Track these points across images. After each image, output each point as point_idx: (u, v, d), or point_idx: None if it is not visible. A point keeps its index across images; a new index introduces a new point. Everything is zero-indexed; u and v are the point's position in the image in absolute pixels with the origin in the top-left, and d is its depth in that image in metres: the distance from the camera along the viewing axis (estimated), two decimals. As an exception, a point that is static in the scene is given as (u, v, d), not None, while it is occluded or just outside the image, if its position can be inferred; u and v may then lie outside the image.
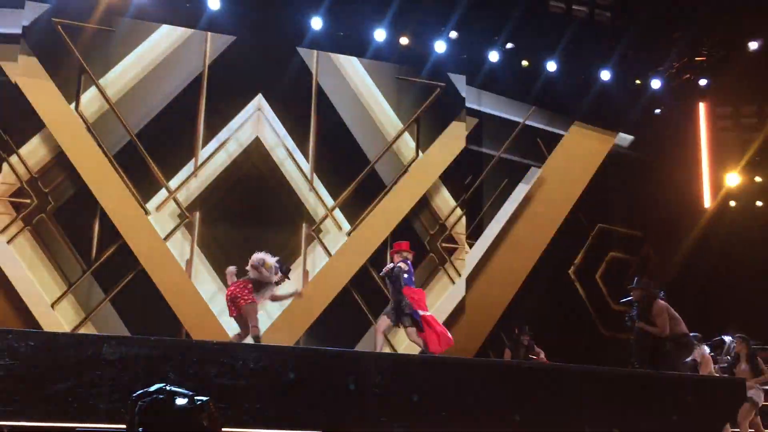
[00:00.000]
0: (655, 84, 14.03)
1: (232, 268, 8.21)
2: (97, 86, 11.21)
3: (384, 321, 8.69)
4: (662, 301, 8.83)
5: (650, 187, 14.32)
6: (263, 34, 12.03)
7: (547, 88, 13.62)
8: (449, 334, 8.69)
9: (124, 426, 5.48)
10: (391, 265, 8.83)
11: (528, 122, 13.92)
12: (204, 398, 2.94)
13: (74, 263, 10.81)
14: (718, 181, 14.86)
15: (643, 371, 8.66)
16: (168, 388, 2.96)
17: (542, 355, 10.97)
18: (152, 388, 2.95)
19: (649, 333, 8.75)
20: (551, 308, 13.20)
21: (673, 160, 14.54)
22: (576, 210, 14.10)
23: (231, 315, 8.10)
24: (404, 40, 12.60)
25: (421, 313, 8.57)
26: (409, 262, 8.82)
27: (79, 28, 11.22)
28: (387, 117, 12.82)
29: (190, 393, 2.96)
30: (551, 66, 13.35)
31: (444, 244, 12.78)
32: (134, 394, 2.94)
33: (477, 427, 7.09)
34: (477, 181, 13.43)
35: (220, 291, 10.55)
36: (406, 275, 8.64)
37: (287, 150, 12.08)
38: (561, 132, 14.23)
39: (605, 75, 13.62)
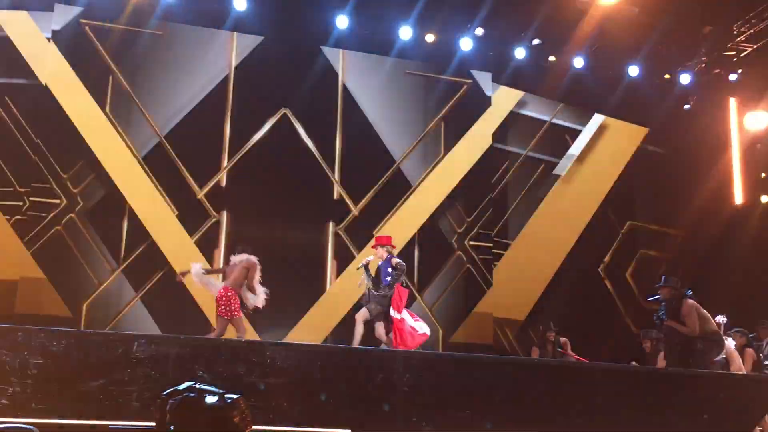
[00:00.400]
0: (685, 79, 13.84)
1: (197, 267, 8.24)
2: (127, 88, 11.33)
3: (364, 313, 8.58)
4: (691, 300, 8.72)
5: (680, 184, 14.15)
6: (289, 34, 12.08)
7: (574, 85, 13.50)
8: (419, 334, 8.53)
9: (155, 423, 5.51)
10: (372, 259, 8.72)
11: (555, 120, 13.80)
12: (234, 395, 2.93)
13: (104, 262, 10.93)
14: (749, 176, 14.63)
15: (675, 370, 8.57)
16: (198, 386, 2.94)
17: (570, 352, 10.89)
18: (182, 386, 2.93)
19: (679, 332, 8.65)
20: (581, 306, 13.08)
21: (703, 155, 14.34)
22: (605, 207, 13.96)
23: (218, 313, 8.21)
24: (430, 38, 12.55)
25: (398, 315, 8.46)
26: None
27: (107, 29, 11.34)
28: (413, 116, 12.79)
29: (221, 391, 2.93)
30: (578, 62, 13.23)
31: (471, 242, 12.73)
32: (164, 393, 2.93)
33: (506, 425, 7.05)
34: (504, 180, 13.34)
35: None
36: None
37: (314, 150, 12.11)
38: (586, 129, 14.09)
39: (633, 70, 13.48)
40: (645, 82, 13.60)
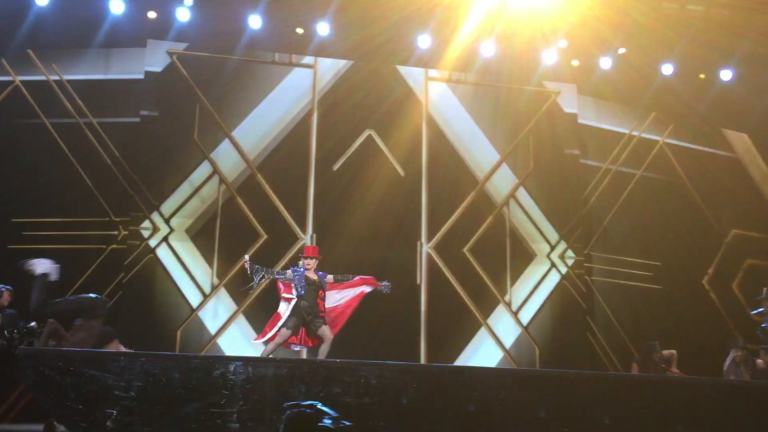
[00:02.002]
0: (781, 81, 13.30)
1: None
2: (214, 115, 11.68)
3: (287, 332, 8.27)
4: None
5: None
6: (370, 56, 12.23)
7: (663, 92, 13.15)
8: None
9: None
10: (316, 273, 8.43)
11: (644, 135, 13.48)
12: (348, 423, 3.05)
13: (195, 288, 11.24)
14: None
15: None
16: (318, 406, 3.15)
17: (674, 369, 10.47)
18: (304, 402, 3.17)
19: None
20: (685, 321, 12.59)
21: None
22: (707, 217, 13.52)
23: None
24: (511, 52, 12.46)
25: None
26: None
27: (194, 58, 11.72)
28: (499, 130, 12.71)
29: (337, 415, 3.11)
30: (667, 69, 12.88)
31: (567, 257, 12.50)
32: (287, 404, 3.16)
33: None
34: (594, 195, 13.06)
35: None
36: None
37: (399, 168, 12.18)
38: (678, 142, 13.69)
39: (726, 74, 13.03)
40: (739, 85, 13.12)
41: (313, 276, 8.37)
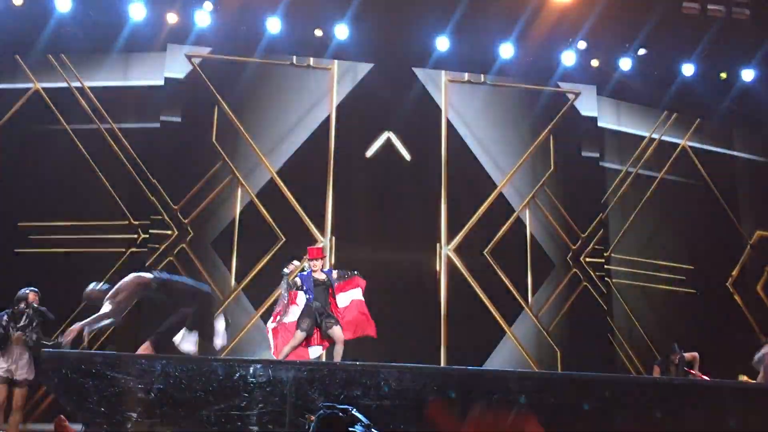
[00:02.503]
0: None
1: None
2: (233, 118, 11.73)
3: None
4: None
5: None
6: (389, 59, 12.26)
7: (684, 94, 13.05)
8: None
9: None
10: (323, 272, 8.40)
11: (665, 137, 13.39)
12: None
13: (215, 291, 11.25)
14: None
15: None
16: (353, 411, 3.25)
17: (697, 372, 10.35)
18: (340, 406, 3.28)
19: None
20: (709, 324, 12.46)
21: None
22: (731, 218, 13.39)
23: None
24: (531, 54, 12.42)
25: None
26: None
27: (213, 61, 11.80)
28: (518, 132, 12.68)
29: (369, 423, 3.23)
30: (688, 69, 12.77)
31: (588, 259, 12.43)
32: (324, 404, 3.34)
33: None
34: (614, 198, 12.97)
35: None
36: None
37: (418, 170, 12.17)
38: (700, 144, 13.58)
39: (747, 74, 12.90)
40: (761, 85, 12.99)
41: (320, 276, 8.32)
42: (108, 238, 11.17)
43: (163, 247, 11.21)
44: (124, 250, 11.22)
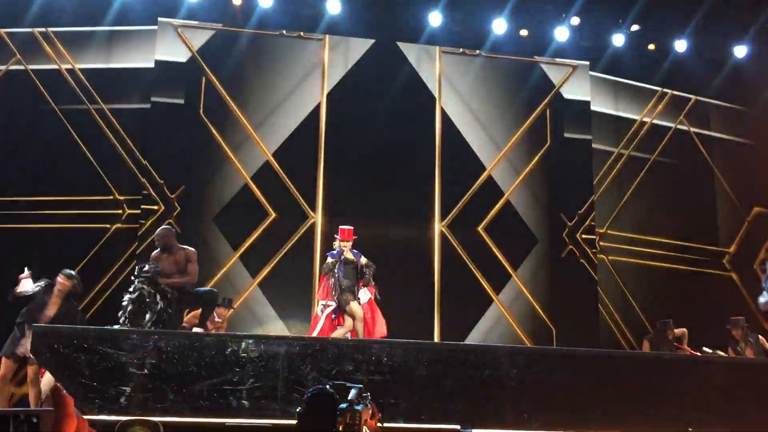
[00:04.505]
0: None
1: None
2: (221, 90, 11.67)
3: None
4: None
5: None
6: (381, 34, 12.17)
7: (677, 70, 13.00)
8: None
9: (267, 421, 5.74)
10: (352, 252, 8.74)
11: (657, 121, 13.32)
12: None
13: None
14: None
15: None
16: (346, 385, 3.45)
17: (686, 347, 10.43)
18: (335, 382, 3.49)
19: None
20: (705, 302, 12.46)
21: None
22: (726, 195, 13.36)
23: None
24: (524, 31, 12.37)
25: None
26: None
27: (204, 39, 11.70)
28: (511, 108, 12.65)
29: (361, 387, 3.49)
30: (680, 45, 12.74)
31: (584, 236, 12.45)
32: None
33: (615, 420, 6.89)
34: (608, 179, 12.94)
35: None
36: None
37: (411, 147, 12.16)
38: (696, 129, 13.55)
39: (740, 51, 12.88)
40: (752, 61, 12.96)
41: (350, 256, 8.72)
42: (93, 213, 11.09)
43: (149, 222, 11.15)
44: (109, 225, 11.12)
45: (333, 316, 8.61)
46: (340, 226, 8.94)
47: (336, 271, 8.59)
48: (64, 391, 3.67)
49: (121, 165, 11.32)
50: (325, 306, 8.65)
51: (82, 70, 11.41)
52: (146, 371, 6.31)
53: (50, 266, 8.23)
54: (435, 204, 12.07)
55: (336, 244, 8.91)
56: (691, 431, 6.93)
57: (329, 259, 8.70)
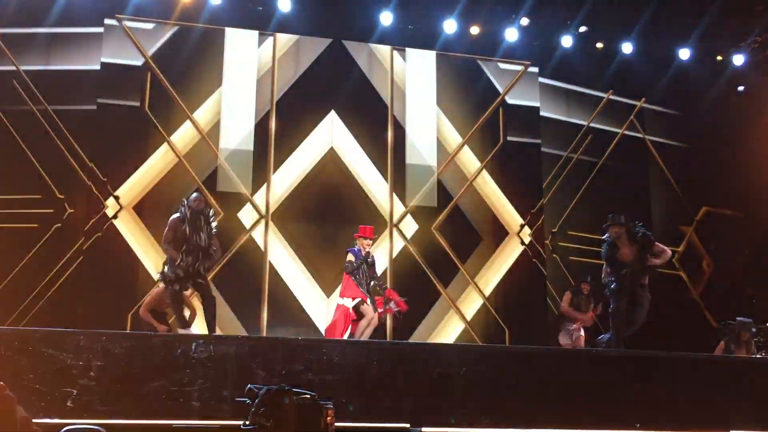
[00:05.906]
0: (738, 60, 13.43)
1: None
2: (168, 86, 11.52)
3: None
4: None
5: (742, 168, 13.57)
6: (332, 33, 12.17)
7: (623, 72, 13.20)
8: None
9: (216, 422, 5.69)
10: (358, 250, 8.95)
11: (602, 126, 13.48)
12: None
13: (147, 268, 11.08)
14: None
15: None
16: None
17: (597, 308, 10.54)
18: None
19: None
20: (653, 298, 12.65)
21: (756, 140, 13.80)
22: (677, 195, 13.61)
23: None
24: (474, 30, 12.46)
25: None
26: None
27: (149, 31, 11.53)
28: (465, 107, 12.75)
29: (314, 394, 3.62)
30: (627, 48, 12.97)
31: (533, 237, 12.55)
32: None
33: (562, 417, 6.99)
34: (557, 182, 13.04)
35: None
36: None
37: (363, 148, 12.16)
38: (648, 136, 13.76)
39: (684, 54, 13.16)
40: (695, 65, 13.25)
41: (372, 254, 9.08)
42: (32, 212, 10.82)
43: (92, 221, 10.94)
44: (49, 226, 10.84)
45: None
46: (360, 225, 9.19)
47: (360, 270, 8.77)
48: (7, 390, 3.59)
49: (64, 164, 11.05)
50: (361, 302, 8.67)
51: (26, 71, 11.11)
52: (92, 373, 6.20)
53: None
54: (387, 203, 12.09)
55: (359, 242, 9.00)
56: (638, 426, 7.06)
57: (351, 257, 8.81)
